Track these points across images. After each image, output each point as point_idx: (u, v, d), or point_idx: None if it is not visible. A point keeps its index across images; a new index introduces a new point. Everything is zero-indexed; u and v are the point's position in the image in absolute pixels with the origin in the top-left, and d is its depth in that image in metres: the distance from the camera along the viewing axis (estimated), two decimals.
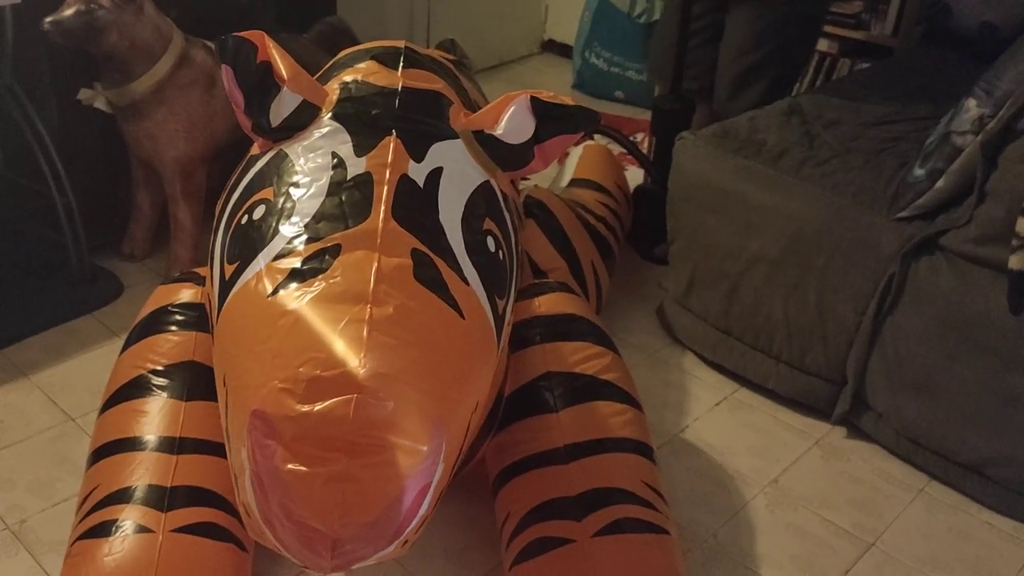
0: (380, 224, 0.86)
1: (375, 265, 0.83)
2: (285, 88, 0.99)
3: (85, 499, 1.25)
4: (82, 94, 1.94)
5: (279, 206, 0.89)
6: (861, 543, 1.49)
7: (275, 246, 0.86)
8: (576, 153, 2.27)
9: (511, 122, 0.99)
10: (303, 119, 0.99)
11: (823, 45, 2.86)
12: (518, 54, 3.51)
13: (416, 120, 0.97)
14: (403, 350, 0.79)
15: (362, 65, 1.03)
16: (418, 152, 0.94)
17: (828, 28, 2.78)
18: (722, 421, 1.76)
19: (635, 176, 2.47)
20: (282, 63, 1.00)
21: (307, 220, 0.87)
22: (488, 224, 0.97)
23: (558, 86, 3.41)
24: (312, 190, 0.90)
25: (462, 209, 0.94)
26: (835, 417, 1.72)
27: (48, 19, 1.77)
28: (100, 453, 1.29)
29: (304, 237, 0.86)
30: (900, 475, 1.64)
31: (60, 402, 1.71)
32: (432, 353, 0.82)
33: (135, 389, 1.32)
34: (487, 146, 1.00)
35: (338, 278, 0.82)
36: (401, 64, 1.02)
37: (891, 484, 1.62)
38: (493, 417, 1.35)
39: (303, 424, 0.74)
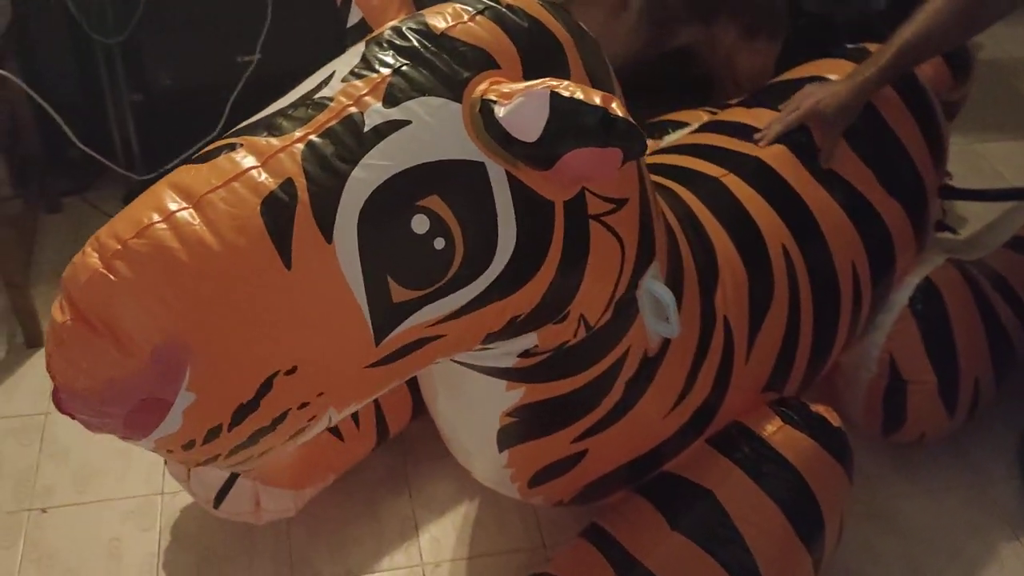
0: (285, 143, 0.78)
1: (235, 173, 0.76)
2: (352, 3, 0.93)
3: None
4: None
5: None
6: None
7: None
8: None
9: (519, 111, 0.77)
10: (357, 37, 0.90)
11: None
12: None
13: (429, 68, 0.81)
14: (180, 260, 0.73)
15: (448, 6, 0.88)
16: (396, 98, 0.79)
17: None
18: None
19: None
20: None
21: (250, 122, 0.83)
22: (432, 203, 0.78)
23: None
24: (284, 99, 0.84)
25: (397, 170, 0.78)
26: None
27: None
28: None
29: (233, 133, 0.81)
30: None
31: None
32: (216, 279, 0.74)
33: None
34: (491, 127, 0.79)
35: (199, 171, 0.77)
36: (482, 11, 0.85)
37: None
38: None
39: (65, 275, 0.77)
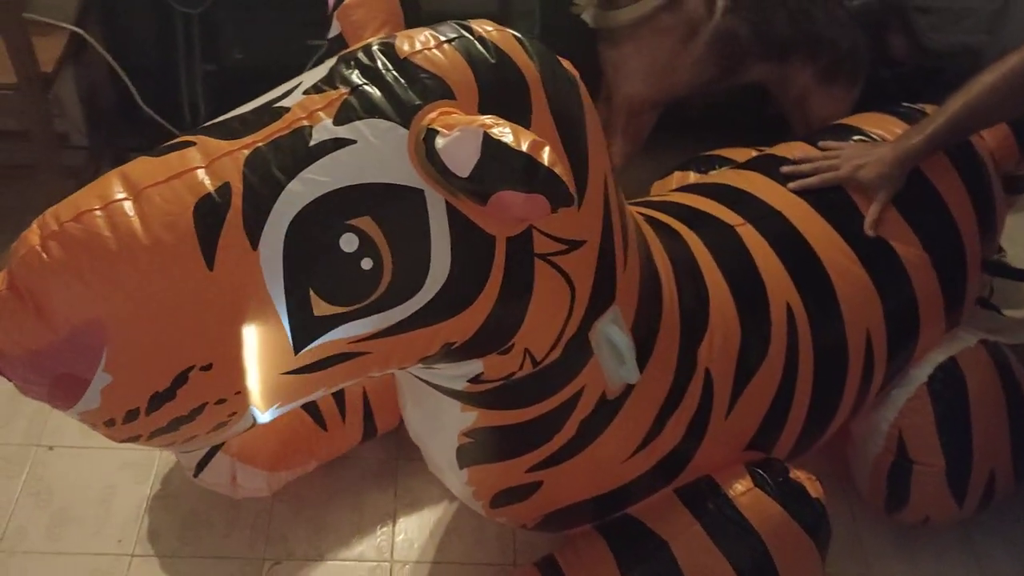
0: (233, 147, 0.80)
1: (178, 170, 0.79)
2: (335, 15, 0.93)
3: None
4: (580, 0, 1.91)
5: None
6: None
7: None
8: None
9: (453, 145, 0.77)
10: (334, 50, 0.91)
11: None
12: None
13: (386, 90, 0.81)
14: (108, 248, 0.76)
15: (423, 31, 0.87)
16: (347, 117, 0.80)
17: None
18: None
19: None
20: None
21: (215, 121, 0.85)
22: (364, 223, 0.79)
23: None
24: (253, 103, 0.86)
25: (334, 187, 0.79)
26: None
27: None
28: None
29: (196, 130, 0.84)
30: None
31: None
32: (138, 270, 0.76)
33: None
34: (432, 157, 0.79)
35: (150, 164, 0.80)
36: (451, 40, 0.85)
37: None
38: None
39: (12, 246, 0.81)
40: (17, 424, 1.58)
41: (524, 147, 0.76)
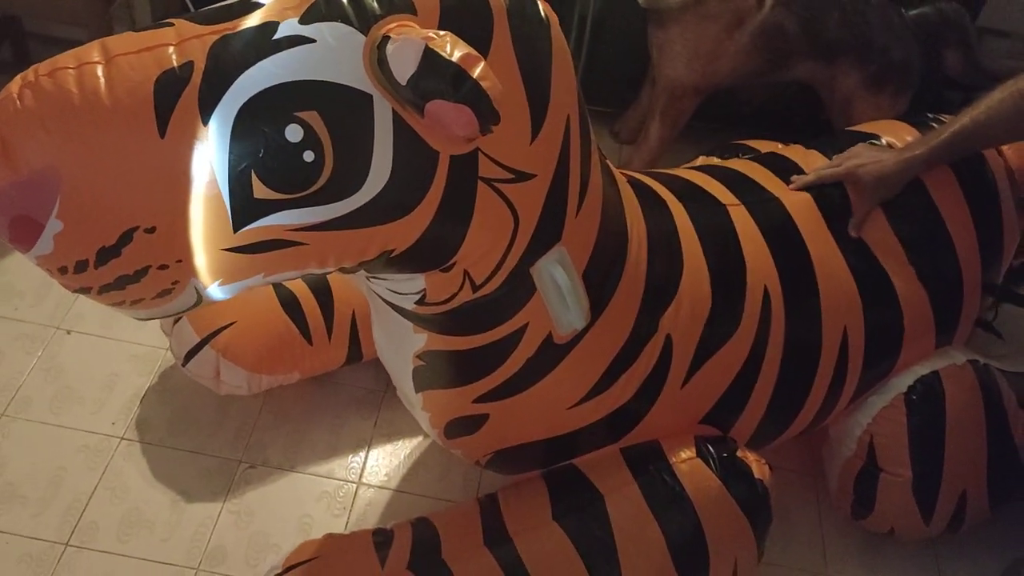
0: (205, 31, 0.85)
1: (151, 44, 0.84)
2: None
3: None
4: None
5: None
6: None
7: None
8: None
9: (397, 52, 0.82)
10: None
11: None
12: None
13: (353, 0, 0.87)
14: (72, 103, 0.82)
15: None
16: (312, 17, 0.85)
17: None
18: None
19: None
20: None
21: (205, 8, 0.90)
22: (311, 117, 0.84)
23: None
24: None
25: (287, 79, 0.84)
26: None
27: None
28: None
29: (186, 15, 0.90)
30: None
31: None
32: (96, 126, 0.82)
33: None
34: (383, 64, 0.84)
35: (131, 36, 0.86)
36: None
37: None
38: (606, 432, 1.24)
39: None
40: (45, 306, 1.69)
41: (455, 57, 0.80)
